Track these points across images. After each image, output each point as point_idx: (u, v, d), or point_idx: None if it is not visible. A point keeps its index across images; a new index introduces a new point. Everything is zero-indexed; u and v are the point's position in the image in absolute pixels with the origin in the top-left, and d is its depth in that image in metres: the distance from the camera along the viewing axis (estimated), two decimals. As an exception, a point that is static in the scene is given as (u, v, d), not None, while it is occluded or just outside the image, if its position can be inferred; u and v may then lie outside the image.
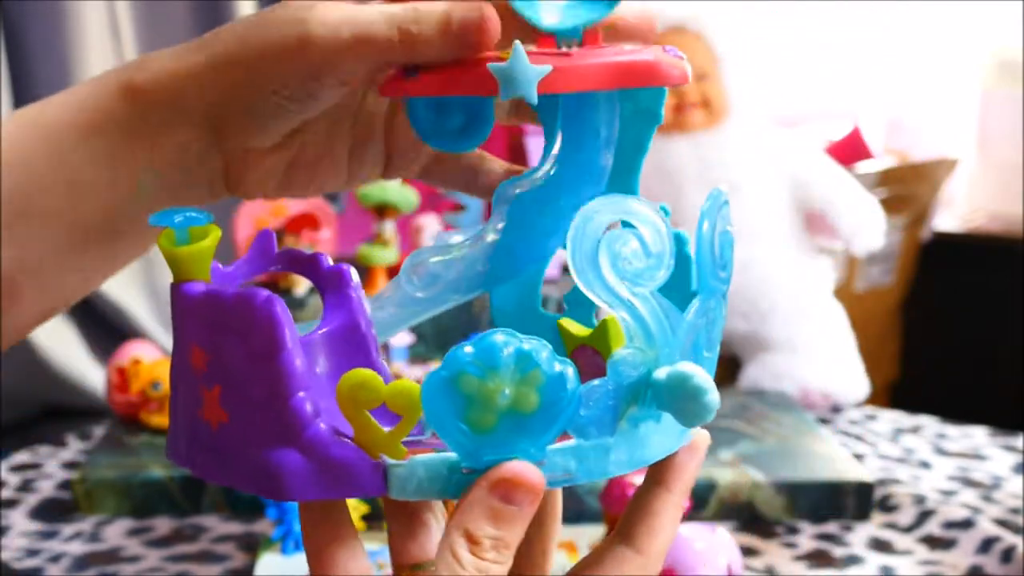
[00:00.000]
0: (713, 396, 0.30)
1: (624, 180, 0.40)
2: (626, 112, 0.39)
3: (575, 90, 0.34)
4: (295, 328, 0.31)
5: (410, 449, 0.32)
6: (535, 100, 0.33)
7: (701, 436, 0.35)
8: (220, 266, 0.36)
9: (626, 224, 0.32)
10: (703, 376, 0.30)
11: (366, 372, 0.30)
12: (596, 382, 0.31)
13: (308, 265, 0.38)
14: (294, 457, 0.31)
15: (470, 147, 0.38)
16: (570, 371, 0.30)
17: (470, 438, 0.30)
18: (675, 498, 0.34)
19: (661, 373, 0.31)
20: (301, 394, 0.31)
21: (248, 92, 0.34)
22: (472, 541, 0.30)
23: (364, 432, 0.31)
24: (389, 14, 0.34)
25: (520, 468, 0.30)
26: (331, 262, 0.38)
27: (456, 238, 0.40)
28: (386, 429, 0.31)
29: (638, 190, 0.40)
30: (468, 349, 0.29)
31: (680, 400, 0.31)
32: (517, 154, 1.04)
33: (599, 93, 0.37)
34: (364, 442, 0.31)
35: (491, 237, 0.40)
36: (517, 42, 0.32)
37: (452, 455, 0.31)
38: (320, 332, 0.37)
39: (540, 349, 0.29)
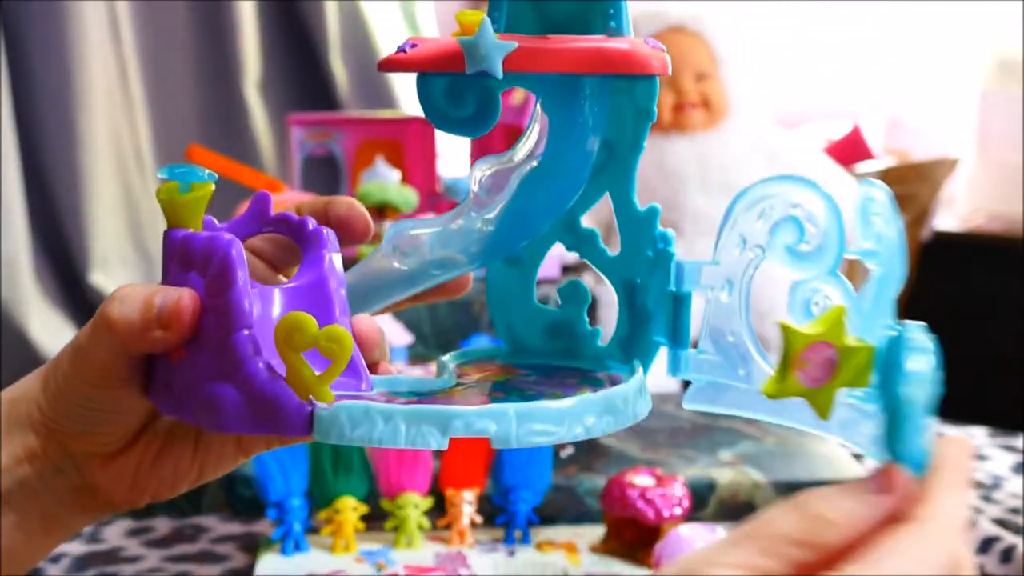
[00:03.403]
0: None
1: (622, 176, 0.40)
2: (625, 111, 0.39)
3: (544, 71, 0.34)
4: (248, 272, 0.33)
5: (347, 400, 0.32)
6: (499, 74, 0.33)
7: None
8: (216, 222, 0.37)
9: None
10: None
11: (301, 315, 0.31)
12: None
13: (296, 228, 0.39)
14: (230, 391, 0.32)
15: (477, 134, 0.38)
16: None
17: None
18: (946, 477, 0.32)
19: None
20: (245, 332, 0.32)
21: (66, 403, 0.37)
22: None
23: (294, 373, 0.32)
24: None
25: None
26: (314, 224, 0.38)
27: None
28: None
29: (635, 185, 0.40)
30: None
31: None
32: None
33: (585, 82, 0.38)
34: (294, 383, 0.32)
35: (474, 215, 0.40)
36: (485, 17, 0.33)
37: (374, 402, 0.32)
38: (286, 286, 0.37)
39: None
